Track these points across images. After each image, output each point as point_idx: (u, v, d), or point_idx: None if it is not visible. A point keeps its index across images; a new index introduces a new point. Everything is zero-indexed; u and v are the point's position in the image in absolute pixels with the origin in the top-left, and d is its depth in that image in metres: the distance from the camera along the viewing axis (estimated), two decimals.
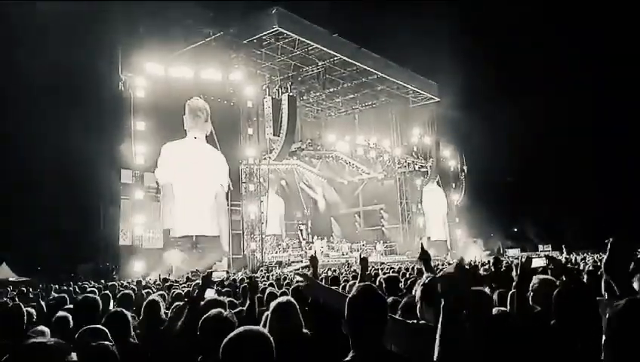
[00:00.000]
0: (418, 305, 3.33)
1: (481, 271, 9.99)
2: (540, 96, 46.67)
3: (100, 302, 5.16)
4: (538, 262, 4.46)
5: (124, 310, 4.59)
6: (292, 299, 3.88)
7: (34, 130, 29.46)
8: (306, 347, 3.57)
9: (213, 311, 3.86)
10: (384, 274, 10.08)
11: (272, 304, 3.85)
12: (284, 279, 12.80)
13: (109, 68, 26.94)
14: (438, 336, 2.14)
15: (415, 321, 3.25)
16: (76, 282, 16.12)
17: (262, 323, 4.29)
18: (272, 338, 2.39)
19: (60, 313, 5.25)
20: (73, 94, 29.05)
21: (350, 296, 2.72)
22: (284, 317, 3.64)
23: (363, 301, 2.66)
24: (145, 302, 5.66)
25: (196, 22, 28.34)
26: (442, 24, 37.86)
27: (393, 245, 40.13)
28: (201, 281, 5.47)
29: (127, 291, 7.70)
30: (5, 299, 7.65)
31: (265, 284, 9.93)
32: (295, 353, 3.32)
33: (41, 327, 4.83)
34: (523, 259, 4.25)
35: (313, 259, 5.30)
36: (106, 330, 3.89)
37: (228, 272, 11.55)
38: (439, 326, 2.15)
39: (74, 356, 1.99)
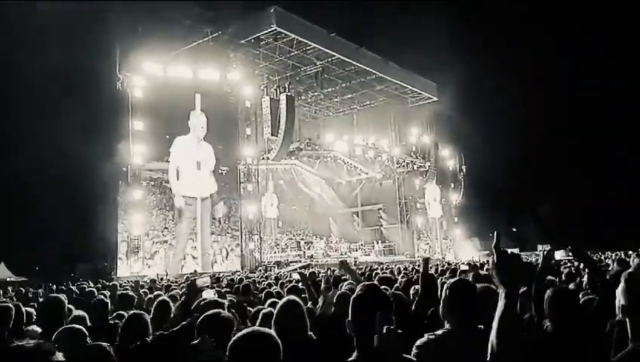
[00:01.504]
0: (441, 309, 3.26)
1: (483, 272, 9.98)
2: (539, 95, 46.79)
3: (65, 302, 5.11)
4: (560, 255, 4.34)
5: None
6: (297, 299, 3.82)
7: (32, 129, 29.44)
8: (311, 349, 3.52)
9: (212, 311, 3.83)
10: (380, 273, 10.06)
11: (278, 304, 3.80)
12: (286, 278, 12.74)
13: (106, 67, 26.91)
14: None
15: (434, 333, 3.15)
16: (74, 282, 16.07)
17: (258, 321, 4.25)
18: (279, 340, 2.37)
19: None
20: (71, 94, 29.02)
21: (354, 295, 2.69)
22: (290, 317, 3.59)
23: (367, 300, 2.63)
24: (156, 302, 5.67)
25: (194, 21, 28.28)
26: (441, 23, 37.85)
27: (392, 245, 40.13)
28: (187, 288, 5.52)
29: (128, 292, 7.68)
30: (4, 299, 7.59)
31: (263, 284, 9.91)
32: (300, 354, 3.27)
33: (33, 327, 4.80)
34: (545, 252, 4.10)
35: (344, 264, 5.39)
36: (85, 331, 3.83)
37: (212, 277, 11.32)
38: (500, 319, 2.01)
39: (59, 356, 1.93)
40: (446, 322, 3.19)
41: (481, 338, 2.15)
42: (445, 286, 3.32)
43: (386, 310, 2.60)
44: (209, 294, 6.26)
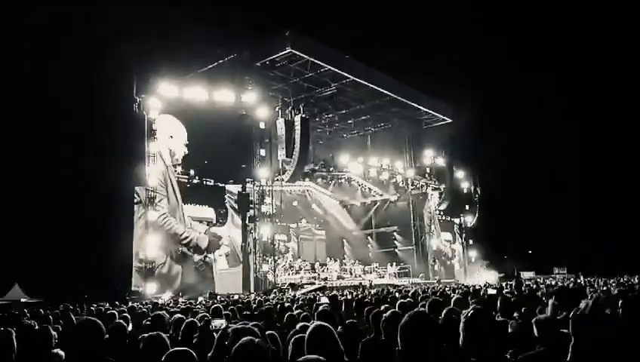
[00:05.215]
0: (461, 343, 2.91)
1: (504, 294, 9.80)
2: (554, 115, 46.53)
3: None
4: None
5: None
6: (327, 324, 3.69)
7: (49, 152, 29.57)
8: None
9: (246, 338, 3.71)
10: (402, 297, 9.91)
11: (308, 329, 3.66)
12: (299, 301, 12.58)
13: (124, 89, 27.11)
14: None
15: None
16: (91, 304, 15.98)
17: (290, 348, 4.07)
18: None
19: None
20: (88, 116, 29.18)
21: (402, 323, 2.58)
22: (322, 343, 3.45)
23: (417, 327, 2.53)
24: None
25: (210, 44, 28.51)
26: (455, 44, 37.92)
27: (406, 267, 39.76)
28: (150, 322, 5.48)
29: (160, 312, 7.59)
30: (30, 322, 7.54)
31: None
32: None
33: (56, 350, 4.72)
34: None
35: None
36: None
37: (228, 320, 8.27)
38: None
39: None
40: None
41: None
42: (462, 318, 2.94)
43: (436, 337, 2.50)
44: (219, 322, 6.16)
